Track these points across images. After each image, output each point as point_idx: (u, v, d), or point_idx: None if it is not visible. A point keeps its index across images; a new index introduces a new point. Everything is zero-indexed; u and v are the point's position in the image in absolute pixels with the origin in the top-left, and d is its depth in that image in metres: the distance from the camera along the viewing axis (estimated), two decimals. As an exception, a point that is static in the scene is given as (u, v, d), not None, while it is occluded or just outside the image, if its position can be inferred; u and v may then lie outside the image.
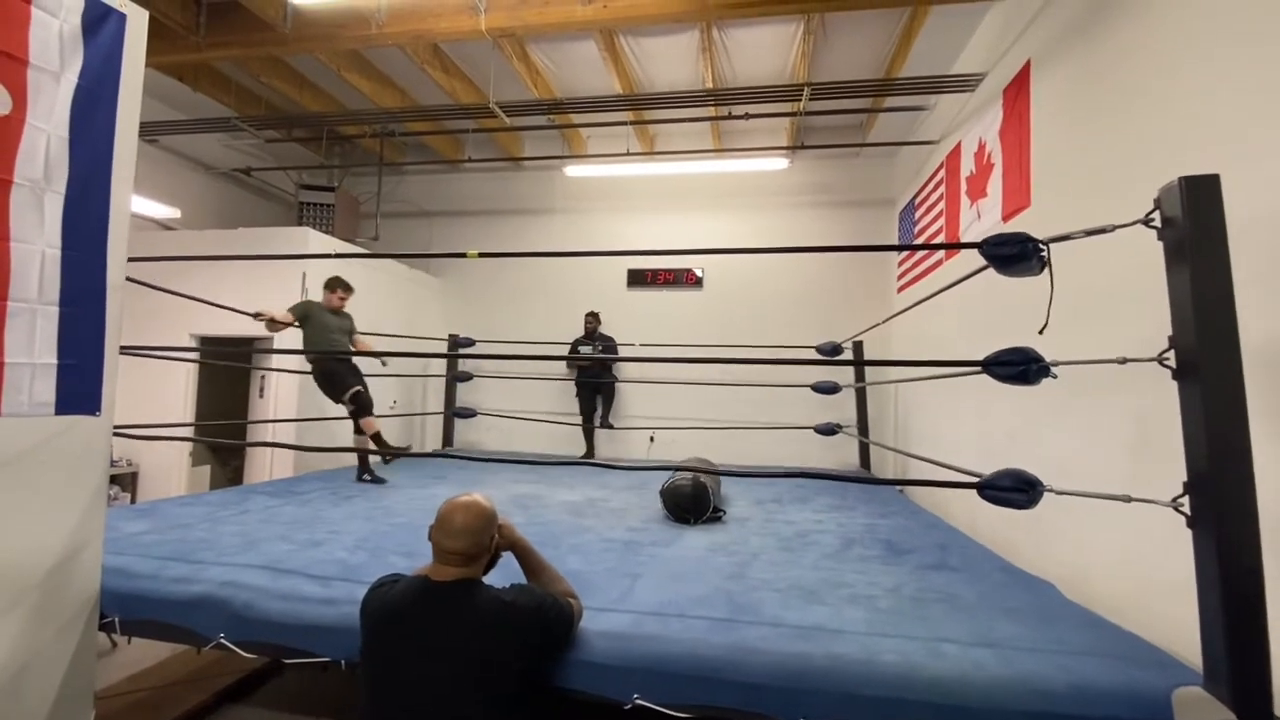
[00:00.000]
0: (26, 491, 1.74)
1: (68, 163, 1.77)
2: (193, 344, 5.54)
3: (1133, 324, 2.33)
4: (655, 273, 7.17)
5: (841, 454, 6.29)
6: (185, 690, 2.76)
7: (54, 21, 1.72)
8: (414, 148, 7.55)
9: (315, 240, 5.75)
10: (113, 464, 5.42)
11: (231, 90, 5.96)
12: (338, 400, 4.56)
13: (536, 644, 1.65)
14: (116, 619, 2.11)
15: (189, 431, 5.42)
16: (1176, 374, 1.59)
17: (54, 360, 1.74)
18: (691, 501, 3.49)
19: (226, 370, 5.99)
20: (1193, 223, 1.55)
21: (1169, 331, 1.61)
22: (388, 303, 6.37)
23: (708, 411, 6.52)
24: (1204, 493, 1.50)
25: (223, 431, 5.92)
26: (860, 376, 5.98)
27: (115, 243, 1.90)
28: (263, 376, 5.57)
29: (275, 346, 5.23)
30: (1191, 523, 1.54)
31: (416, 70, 5.47)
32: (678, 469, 3.52)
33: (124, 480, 5.56)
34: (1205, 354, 1.51)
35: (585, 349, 6.64)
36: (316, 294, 5.32)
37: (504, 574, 1.81)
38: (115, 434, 2.03)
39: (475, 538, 1.65)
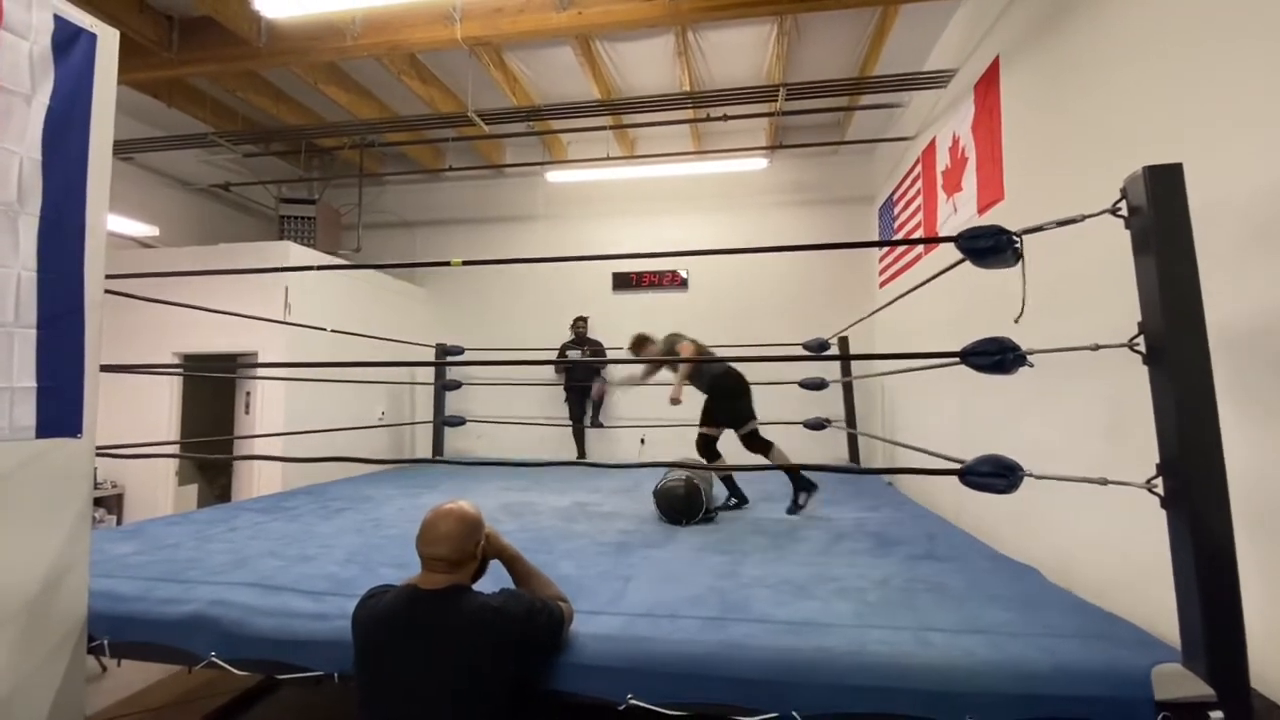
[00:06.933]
0: (8, 515, 1.72)
1: (41, 185, 1.76)
2: (175, 361, 5.49)
3: (1106, 311, 2.37)
4: (640, 275, 7.19)
5: (831, 449, 6.32)
6: (176, 712, 2.73)
7: (23, 44, 1.72)
8: (394, 158, 7.52)
9: (297, 253, 5.71)
10: (97, 485, 5.38)
11: (207, 105, 5.91)
12: (740, 427, 4.10)
13: (528, 648, 1.66)
14: (106, 641, 2.09)
15: (174, 450, 5.36)
16: (1147, 359, 1.63)
17: (33, 384, 1.74)
18: (684, 503, 3.50)
19: (211, 388, 5.94)
20: (1157, 211, 1.59)
21: (1139, 318, 1.65)
22: (373, 314, 6.35)
23: (698, 411, 6.53)
24: (1176, 474, 1.54)
25: (208, 449, 5.86)
26: (846, 371, 6.03)
27: (93, 262, 1.90)
28: (248, 393, 5.53)
29: (261, 360, 5.20)
30: (1165, 503, 1.57)
31: (394, 81, 5.46)
32: (670, 466, 3.51)
33: (109, 502, 5.49)
34: (1173, 339, 1.55)
35: (573, 353, 6.65)
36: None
37: (493, 582, 1.82)
38: (98, 454, 2.02)
39: (461, 543, 1.65)
